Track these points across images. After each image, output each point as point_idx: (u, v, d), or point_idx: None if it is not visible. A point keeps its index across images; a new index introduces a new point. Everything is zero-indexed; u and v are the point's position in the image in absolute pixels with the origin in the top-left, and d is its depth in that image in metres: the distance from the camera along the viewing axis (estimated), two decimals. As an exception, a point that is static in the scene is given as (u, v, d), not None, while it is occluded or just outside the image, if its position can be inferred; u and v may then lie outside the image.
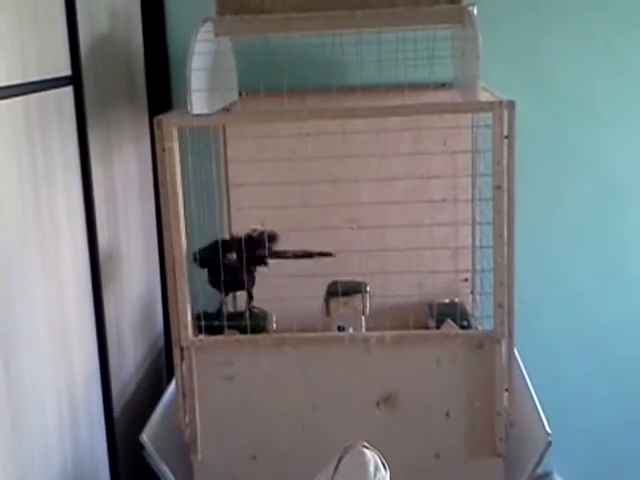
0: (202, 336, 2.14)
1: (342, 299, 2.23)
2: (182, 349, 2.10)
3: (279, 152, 2.34)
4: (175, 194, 2.01)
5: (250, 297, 2.31)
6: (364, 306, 2.24)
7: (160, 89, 2.63)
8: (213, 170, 2.40)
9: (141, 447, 2.07)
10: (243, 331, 2.19)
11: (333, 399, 2.12)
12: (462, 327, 2.34)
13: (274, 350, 2.11)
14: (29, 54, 1.77)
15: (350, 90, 2.30)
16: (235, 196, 2.57)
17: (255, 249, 2.24)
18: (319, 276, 2.18)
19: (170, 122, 1.99)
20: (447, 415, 2.11)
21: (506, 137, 1.95)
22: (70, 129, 2.00)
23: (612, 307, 2.79)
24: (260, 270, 2.29)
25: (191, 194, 2.19)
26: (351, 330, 2.21)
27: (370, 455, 1.71)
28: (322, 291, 2.26)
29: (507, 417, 2.08)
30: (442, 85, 2.49)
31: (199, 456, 2.15)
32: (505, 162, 1.95)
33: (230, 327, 2.19)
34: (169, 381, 2.37)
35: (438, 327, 2.35)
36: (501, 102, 1.94)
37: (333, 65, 2.54)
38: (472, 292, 2.60)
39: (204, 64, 2.06)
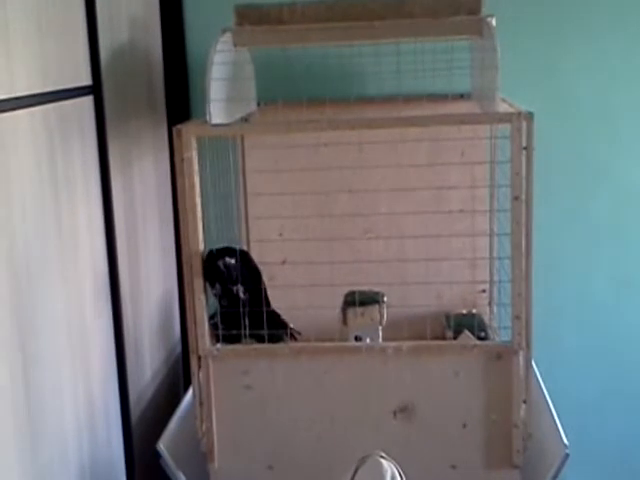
0: (219, 345, 2.15)
1: (359, 309, 2.23)
2: (199, 358, 2.10)
3: (297, 162, 2.35)
4: (193, 203, 2.02)
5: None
6: (381, 316, 2.23)
7: (179, 99, 2.64)
8: (231, 180, 2.41)
9: (158, 455, 2.08)
10: (260, 340, 2.19)
11: (350, 409, 2.12)
12: (479, 338, 2.33)
13: (291, 360, 2.11)
14: (50, 63, 1.79)
15: (368, 101, 2.31)
16: (253, 205, 2.58)
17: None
18: (336, 286, 2.18)
19: (189, 132, 2.00)
20: (464, 426, 2.10)
21: (524, 148, 1.94)
22: (90, 138, 2.01)
23: (630, 318, 2.78)
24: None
25: (209, 203, 2.19)
26: (368, 340, 2.21)
27: (387, 465, 1.71)
28: (339, 301, 2.26)
29: (524, 429, 2.07)
30: (460, 96, 2.49)
31: (216, 465, 2.15)
32: (523, 173, 1.95)
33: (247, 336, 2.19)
34: (186, 389, 2.37)
35: (455, 338, 2.35)
36: (520, 113, 1.94)
37: (351, 76, 2.55)
38: (490, 303, 2.59)
39: (223, 74, 2.07)
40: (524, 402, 2.07)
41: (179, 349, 2.69)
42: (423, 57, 2.24)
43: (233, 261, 2.12)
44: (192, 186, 2.01)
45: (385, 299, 2.24)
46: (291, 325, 2.23)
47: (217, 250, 2.12)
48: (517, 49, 2.58)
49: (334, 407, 2.12)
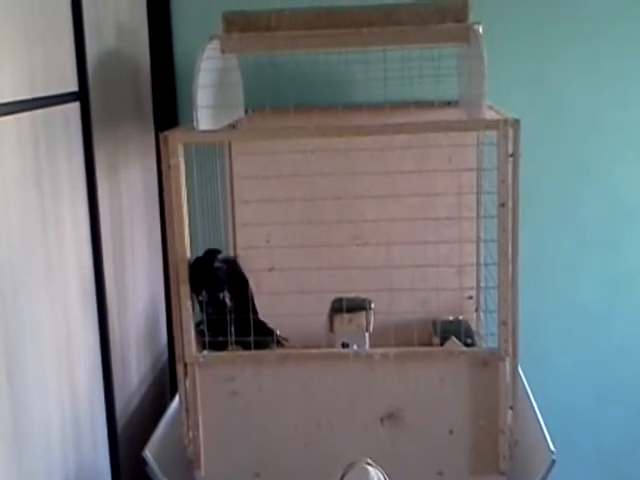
0: (206, 352, 2.14)
1: (346, 316, 2.23)
2: (185, 365, 2.10)
3: (284, 169, 2.35)
4: (180, 210, 2.02)
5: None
6: (368, 323, 2.23)
7: (166, 105, 2.64)
8: (218, 186, 2.41)
9: (144, 463, 2.07)
10: (247, 347, 2.19)
11: (337, 416, 2.12)
12: (466, 345, 2.33)
13: (277, 366, 2.11)
14: (36, 70, 1.78)
15: (356, 108, 2.31)
16: (240, 212, 2.58)
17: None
18: (324, 292, 2.18)
19: (176, 138, 2.00)
20: (451, 432, 2.11)
21: (511, 155, 1.95)
22: (77, 145, 2.01)
23: (617, 325, 2.78)
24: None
25: (196, 210, 2.19)
26: (355, 347, 2.21)
27: (373, 472, 1.72)
28: (326, 307, 2.26)
29: (511, 435, 2.07)
30: (448, 103, 2.49)
31: (202, 472, 2.14)
32: (510, 180, 1.96)
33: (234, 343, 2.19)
34: (172, 396, 2.37)
35: (442, 344, 2.35)
36: (506, 120, 1.95)
37: (339, 83, 2.55)
38: (476, 310, 2.59)
39: (210, 81, 2.07)
40: (511, 408, 2.07)
41: (165, 356, 2.68)
42: (410, 64, 2.24)
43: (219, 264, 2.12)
44: (179, 193, 2.01)
45: (372, 306, 2.24)
46: (278, 332, 2.23)
47: (205, 253, 2.12)
48: (504, 56, 2.59)
49: (321, 414, 2.12)
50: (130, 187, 2.39)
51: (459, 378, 2.08)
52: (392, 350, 2.08)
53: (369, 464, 1.73)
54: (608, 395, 2.82)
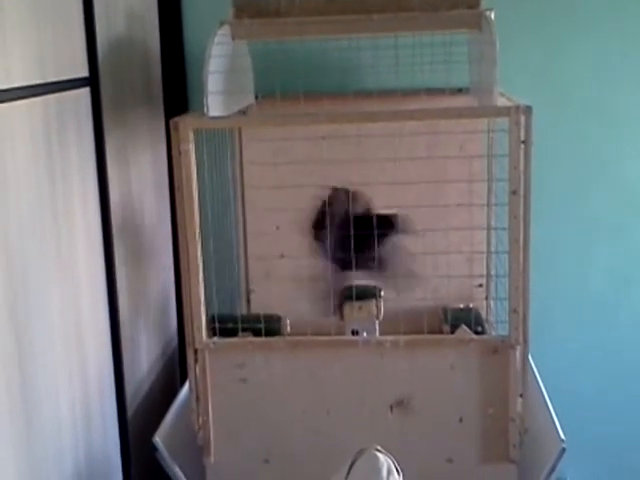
0: (216, 338, 2.14)
1: (356, 303, 2.23)
2: (196, 351, 2.10)
3: (294, 155, 2.34)
4: (190, 196, 2.01)
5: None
6: (378, 310, 2.23)
7: (177, 91, 2.64)
8: (229, 172, 2.41)
9: (154, 449, 2.07)
10: (257, 334, 2.19)
11: (346, 403, 2.12)
12: (476, 332, 2.33)
13: (287, 353, 2.11)
14: (47, 55, 1.78)
15: (366, 94, 2.30)
16: (250, 198, 2.58)
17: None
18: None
19: (186, 124, 2.00)
20: (460, 420, 2.10)
21: (523, 142, 1.94)
22: (87, 130, 2.00)
23: (628, 313, 2.78)
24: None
25: (206, 196, 2.19)
26: (365, 334, 2.21)
27: (383, 459, 1.71)
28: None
29: (521, 423, 2.07)
30: (459, 90, 2.48)
31: (212, 458, 2.15)
32: (521, 167, 1.95)
33: (244, 330, 2.19)
34: (182, 382, 2.37)
35: (452, 332, 2.34)
36: (518, 107, 1.93)
37: (349, 69, 2.55)
38: (487, 297, 2.59)
39: (221, 67, 2.06)
40: (521, 396, 2.06)
41: (175, 342, 2.69)
42: (422, 51, 2.23)
43: None
44: (189, 178, 2.01)
45: (382, 293, 2.24)
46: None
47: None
48: (516, 43, 2.57)
49: (330, 401, 2.12)
50: (140, 172, 2.39)
51: (469, 366, 2.08)
52: (402, 337, 2.08)
53: (379, 451, 1.73)
54: (618, 383, 2.82)
